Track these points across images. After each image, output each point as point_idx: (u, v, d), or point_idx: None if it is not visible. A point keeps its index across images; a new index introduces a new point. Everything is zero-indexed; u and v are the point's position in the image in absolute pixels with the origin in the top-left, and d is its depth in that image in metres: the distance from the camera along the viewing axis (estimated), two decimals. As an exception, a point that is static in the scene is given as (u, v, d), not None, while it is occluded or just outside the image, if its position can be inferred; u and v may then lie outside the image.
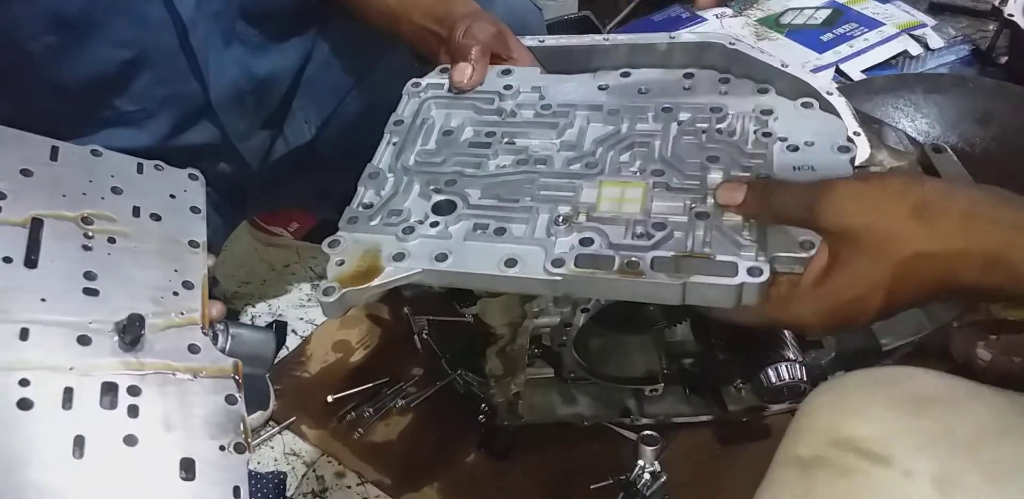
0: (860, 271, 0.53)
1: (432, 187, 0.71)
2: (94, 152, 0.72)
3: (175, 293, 0.66)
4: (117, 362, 0.59)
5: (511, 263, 0.63)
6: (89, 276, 0.62)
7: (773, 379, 0.96)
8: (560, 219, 0.66)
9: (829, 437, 0.51)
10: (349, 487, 1.08)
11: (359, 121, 1.04)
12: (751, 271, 0.59)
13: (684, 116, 0.74)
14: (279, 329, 0.77)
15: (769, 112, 0.73)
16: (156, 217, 0.71)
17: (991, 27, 1.67)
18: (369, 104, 1.05)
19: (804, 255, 0.59)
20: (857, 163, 0.72)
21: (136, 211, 0.70)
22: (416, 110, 0.79)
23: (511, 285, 0.65)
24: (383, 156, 0.75)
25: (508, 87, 0.79)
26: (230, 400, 0.62)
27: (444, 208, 0.69)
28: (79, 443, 0.54)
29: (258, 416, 1.15)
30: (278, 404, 1.17)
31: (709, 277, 0.60)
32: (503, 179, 0.71)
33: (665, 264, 0.61)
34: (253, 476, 1.08)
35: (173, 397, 0.60)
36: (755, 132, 0.71)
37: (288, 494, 1.08)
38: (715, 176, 0.68)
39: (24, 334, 0.56)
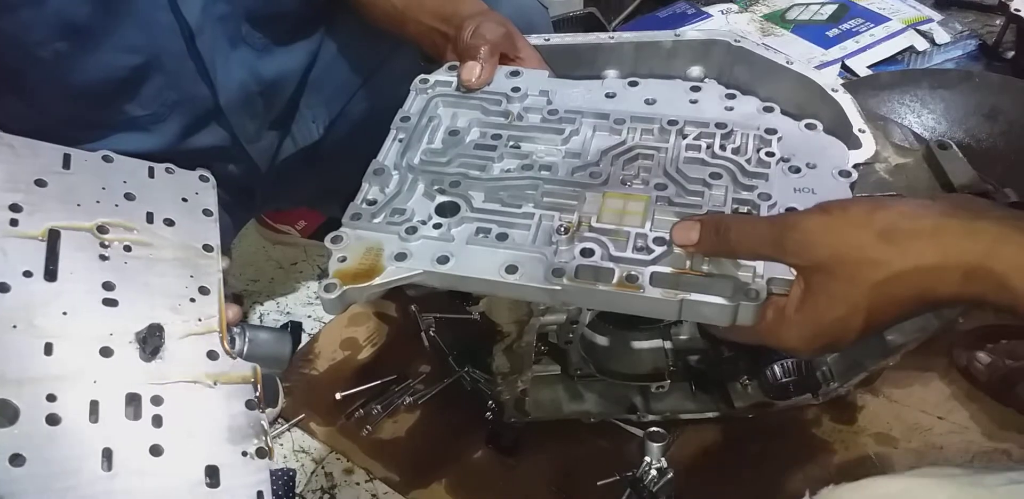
0: (836, 296, 0.53)
1: (436, 187, 0.71)
2: (105, 158, 0.72)
3: (192, 299, 0.66)
4: (139, 373, 0.59)
5: (511, 270, 0.63)
6: (107, 286, 0.62)
7: (779, 375, 0.97)
8: (562, 228, 0.66)
9: None
10: (358, 484, 1.09)
11: (366, 120, 1.04)
12: (747, 292, 0.59)
13: (689, 130, 0.74)
14: (294, 330, 0.77)
15: (773, 131, 0.72)
16: (169, 222, 0.71)
17: (998, 22, 1.66)
18: (376, 103, 1.05)
19: None
20: (863, 160, 0.72)
21: (150, 217, 0.70)
22: (423, 107, 0.78)
23: (510, 292, 0.65)
24: (389, 152, 0.75)
25: (516, 89, 0.78)
26: (250, 405, 0.63)
27: (447, 210, 0.69)
28: (107, 456, 0.54)
29: (267, 413, 1.15)
30: (287, 401, 1.17)
31: (706, 296, 0.60)
32: (507, 183, 0.71)
33: (663, 280, 0.61)
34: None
35: (195, 405, 0.60)
36: (758, 151, 0.71)
37: (297, 491, 1.09)
38: (717, 193, 0.68)
39: (48, 349, 0.57)
